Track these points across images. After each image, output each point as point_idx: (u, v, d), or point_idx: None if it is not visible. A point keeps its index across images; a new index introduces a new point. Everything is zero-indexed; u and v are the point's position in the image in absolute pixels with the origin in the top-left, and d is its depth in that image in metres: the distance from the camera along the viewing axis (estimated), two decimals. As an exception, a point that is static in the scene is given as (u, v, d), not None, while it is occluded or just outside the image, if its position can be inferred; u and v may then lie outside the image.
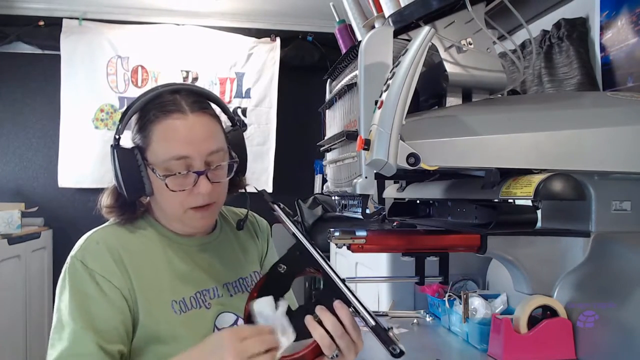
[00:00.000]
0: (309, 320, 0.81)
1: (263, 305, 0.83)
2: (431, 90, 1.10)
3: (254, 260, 1.14)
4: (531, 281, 1.04)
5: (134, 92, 3.30)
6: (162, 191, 0.96)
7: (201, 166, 0.94)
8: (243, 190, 1.11)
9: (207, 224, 1.05)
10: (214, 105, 1.02)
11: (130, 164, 0.95)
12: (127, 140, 0.99)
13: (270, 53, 3.45)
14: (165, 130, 0.94)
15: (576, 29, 1.74)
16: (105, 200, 1.03)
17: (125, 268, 0.94)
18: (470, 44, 1.05)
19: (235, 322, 1.02)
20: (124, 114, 0.97)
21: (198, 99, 0.98)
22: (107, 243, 0.96)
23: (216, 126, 0.99)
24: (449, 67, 1.04)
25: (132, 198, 0.98)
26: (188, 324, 0.96)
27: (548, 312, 1.07)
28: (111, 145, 0.96)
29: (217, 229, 1.10)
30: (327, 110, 1.37)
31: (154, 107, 0.95)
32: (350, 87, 1.14)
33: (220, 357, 0.77)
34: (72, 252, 0.96)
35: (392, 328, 0.79)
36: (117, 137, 0.96)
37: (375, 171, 0.84)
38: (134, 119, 0.98)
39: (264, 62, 3.44)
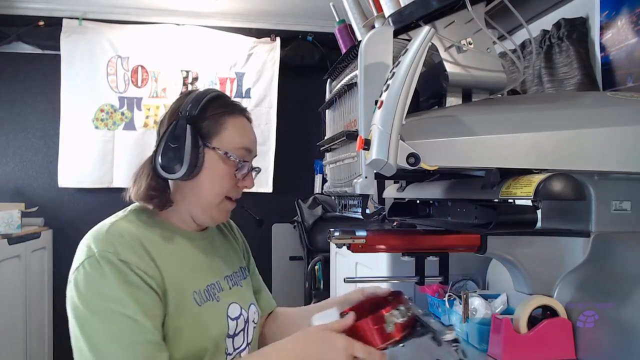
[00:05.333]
0: None
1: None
2: (431, 90, 1.10)
3: (239, 256, 1.21)
4: (531, 281, 1.04)
5: (134, 92, 3.31)
6: (212, 175, 1.02)
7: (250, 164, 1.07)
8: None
9: (225, 219, 1.11)
10: None
11: (196, 142, 0.99)
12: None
13: (270, 53, 3.45)
14: (241, 124, 1.07)
15: (576, 29, 1.74)
16: (147, 182, 1.01)
17: (152, 258, 0.94)
18: (470, 44, 1.05)
19: (240, 313, 1.06)
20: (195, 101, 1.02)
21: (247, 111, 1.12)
22: (130, 235, 0.95)
23: None
24: (449, 67, 1.04)
25: (185, 177, 0.99)
26: (206, 314, 0.98)
27: (548, 312, 1.07)
28: (182, 119, 0.99)
29: (208, 228, 1.14)
30: (327, 110, 1.37)
31: (228, 103, 1.07)
32: (350, 87, 1.14)
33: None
34: (97, 247, 0.91)
35: None
36: (188, 115, 1.00)
37: (375, 171, 0.84)
38: (198, 109, 1.01)
39: (264, 62, 3.44)
